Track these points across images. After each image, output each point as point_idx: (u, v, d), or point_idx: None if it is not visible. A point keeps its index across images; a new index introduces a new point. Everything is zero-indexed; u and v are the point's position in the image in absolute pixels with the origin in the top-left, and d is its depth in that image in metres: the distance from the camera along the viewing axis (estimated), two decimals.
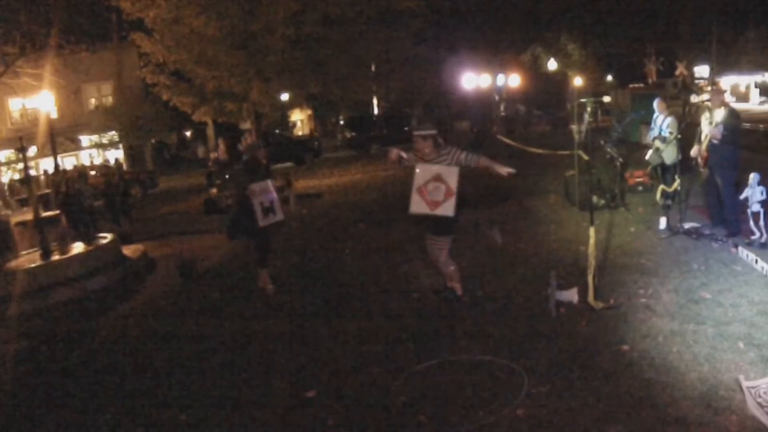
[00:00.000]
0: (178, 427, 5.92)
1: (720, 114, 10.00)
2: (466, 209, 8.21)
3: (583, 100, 10.98)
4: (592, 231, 8.20)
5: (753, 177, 9.56)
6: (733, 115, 10.01)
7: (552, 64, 55.83)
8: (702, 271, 8.83)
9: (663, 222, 11.25)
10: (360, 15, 24.13)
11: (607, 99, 36.57)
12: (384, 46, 25.83)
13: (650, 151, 12.53)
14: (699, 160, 10.44)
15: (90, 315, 9.72)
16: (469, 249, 11.20)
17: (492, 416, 5.53)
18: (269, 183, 9.52)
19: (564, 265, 9.51)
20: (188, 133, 37.12)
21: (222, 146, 25.13)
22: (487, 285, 9.10)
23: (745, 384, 5.56)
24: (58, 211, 16.04)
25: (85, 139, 37.83)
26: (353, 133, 40.63)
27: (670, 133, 11.95)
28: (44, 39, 20.58)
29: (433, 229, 8.06)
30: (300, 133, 43.04)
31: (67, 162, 32.96)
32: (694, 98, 37.53)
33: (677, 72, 59.20)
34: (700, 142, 10.35)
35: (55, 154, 19.89)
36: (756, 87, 57.55)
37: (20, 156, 17.41)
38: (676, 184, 11.45)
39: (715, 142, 9.96)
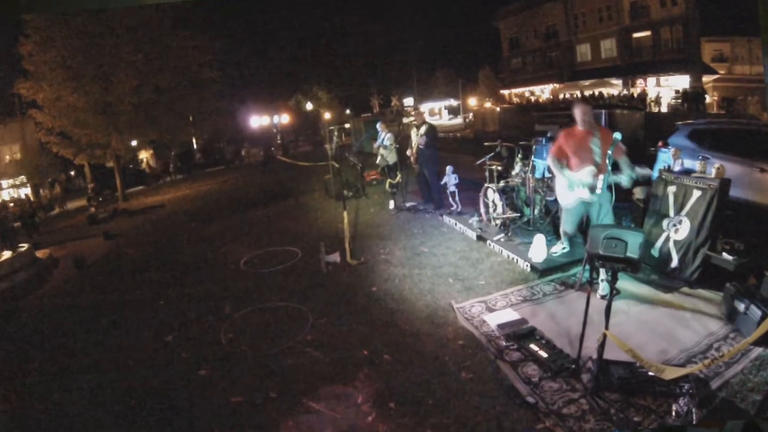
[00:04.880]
0: (82, 367, 5.86)
1: (423, 128, 10.55)
2: None
3: (331, 127, 11.17)
4: (345, 214, 8.46)
5: (449, 169, 10.36)
6: (432, 128, 10.63)
7: (309, 105, 56.97)
8: (421, 233, 9.35)
9: (392, 204, 11.73)
10: (179, 84, 25.36)
11: (347, 125, 37.42)
12: (197, 104, 27.60)
13: (379, 157, 12.91)
14: (412, 159, 10.93)
15: (18, 298, 9.50)
16: (265, 234, 11.05)
17: (290, 341, 5.63)
18: None
19: (329, 237, 9.64)
20: (72, 173, 39.60)
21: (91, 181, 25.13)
22: (279, 256, 9.02)
23: (455, 305, 6.00)
24: None
25: (5, 183, 38.54)
26: (180, 164, 41.78)
27: (390, 144, 12.36)
28: None
29: None
30: (145, 166, 43.04)
31: None
32: (405, 120, 39.54)
33: (392, 103, 62.05)
34: (412, 147, 10.84)
35: None
36: (445, 109, 63.60)
37: None
38: (398, 177, 11.96)
39: (422, 147, 10.50)
